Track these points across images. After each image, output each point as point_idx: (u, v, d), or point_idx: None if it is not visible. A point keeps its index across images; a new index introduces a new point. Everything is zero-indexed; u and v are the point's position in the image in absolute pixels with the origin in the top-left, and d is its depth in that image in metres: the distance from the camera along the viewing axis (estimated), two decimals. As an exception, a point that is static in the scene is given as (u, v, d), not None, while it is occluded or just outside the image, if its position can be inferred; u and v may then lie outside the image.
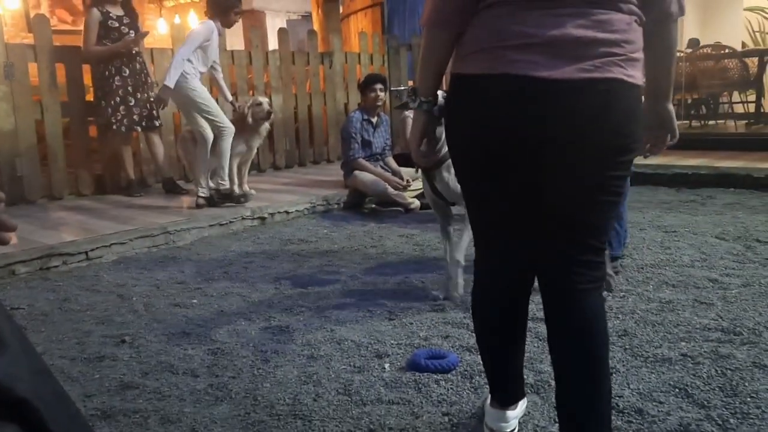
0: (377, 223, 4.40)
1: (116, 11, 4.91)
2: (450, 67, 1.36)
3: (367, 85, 4.90)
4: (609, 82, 1.19)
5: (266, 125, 4.82)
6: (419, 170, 2.62)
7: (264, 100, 4.74)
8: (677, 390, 1.79)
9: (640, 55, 1.24)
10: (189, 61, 4.27)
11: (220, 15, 4.39)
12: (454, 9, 1.28)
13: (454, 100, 1.34)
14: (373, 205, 4.90)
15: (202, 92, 4.33)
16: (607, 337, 1.34)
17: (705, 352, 2.02)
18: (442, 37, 1.33)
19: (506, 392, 1.54)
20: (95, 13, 4.81)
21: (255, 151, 4.99)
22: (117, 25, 4.88)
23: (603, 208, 1.29)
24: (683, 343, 2.10)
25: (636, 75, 1.23)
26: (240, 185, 4.76)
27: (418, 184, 4.96)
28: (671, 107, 1.40)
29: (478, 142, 1.29)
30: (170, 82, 4.18)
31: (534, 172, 1.27)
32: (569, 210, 1.28)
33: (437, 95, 1.43)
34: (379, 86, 4.86)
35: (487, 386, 1.86)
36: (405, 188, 4.82)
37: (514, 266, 1.40)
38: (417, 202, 4.79)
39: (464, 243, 2.61)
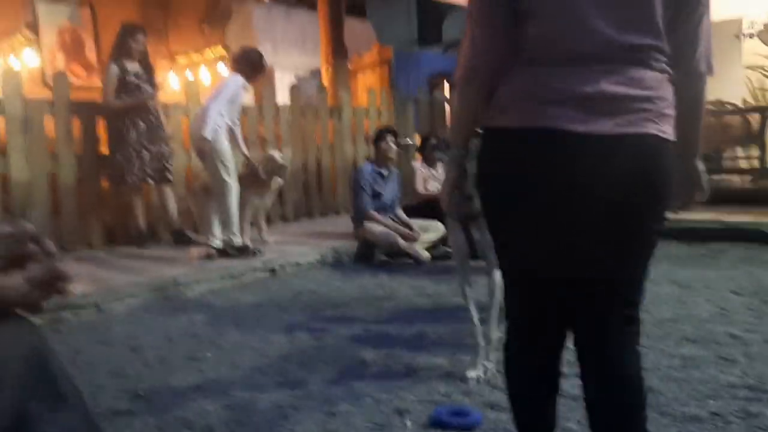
0: (388, 274, 4.38)
1: (134, 67, 5.03)
2: (484, 120, 1.36)
3: (379, 136, 4.98)
4: (642, 137, 1.20)
5: (278, 180, 4.93)
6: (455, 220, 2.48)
7: (277, 154, 4.85)
8: (710, 450, 1.74)
9: (671, 111, 1.26)
10: (220, 114, 4.38)
11: (250, 73, 4.55)
12: (487, 66, 1.31)
13: (487, 153, 1.34)
14: (384, 257, 4.89)
15: (226, 147, 4.44)
16: (644, 396, 1.31)
17: (734, 410, 1.97)
18: (473, 93, 1.35)
19: None
20: (113, 68, 4.94)
21: (269, 203, 5.08)
22: (134, 80, 4.99)
23: (637, 262, 1.30)
24: (711, 401, 2.06)
25: (668, 130, 1.25)
26: (259, 233, 4.96)
27: (428, 236, 4.97)
28: (700, 164, 1.42)
29: (512, 195, 1.29)
30: (209, 134, 4.29)
31: (568, 226, 1.27)
32: (603, 264, 1.28)
33: (469, 147, 1.44)
34: (390, 138, 4.94)
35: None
36: (415, 240, 4.82)
37: (549, 321, 1.38)
38: (428, 254, 4.79)
39: (495, 312, 2.44)
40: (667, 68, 1.26)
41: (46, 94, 5.66)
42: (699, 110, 1.35)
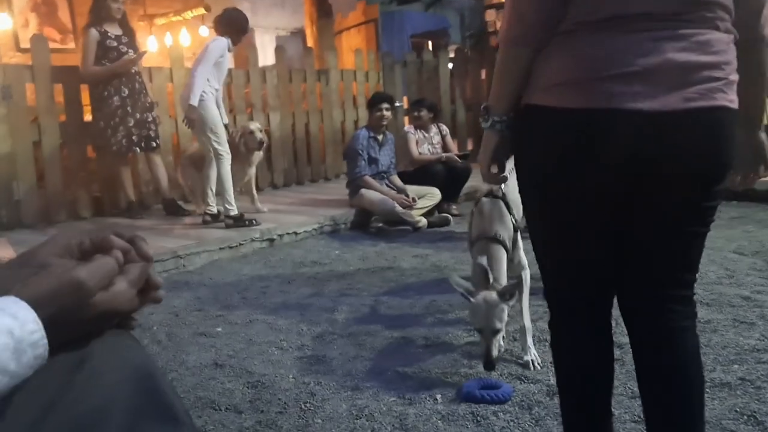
0: (387, 242, 4.34)
1: (114, 30, 4.81)
2: (529, 97, 1.26)
3: (373, 104, 4.89)
4: (715, 111, 1.13)
5: (258, 154, 4.84)
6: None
7: (256, 127, 4.74)
8: (746, 417, 1.76)
9: (736, 76, 1.18)
10: (206, 80, 4.25)
11: (233, 34, 4.42)
12: (533, 25, 1.20)
13: (542, 136, 1.24)
14: (380, 224, 4.84)
15: (214, 114, 4.33)
16: (703, 380, 1.29)
17: (762, 375, 1.99)
18: (520, 55, 1.23)
19: None
20: (93, 33, 4.71)
21: (251, 175, 4.97)
22: (115, 44, 4.78)
23: (698, 240, 1.26)
24: (736, 366, 2.07)
25: (735, 99, 1.17)
26: (252, 203, 4.95)
27: (424, 202, 4.92)
28: (764, 136, 1.34)
29: (570, 180, 1.21)
30: (195, 101, 4.19)
31: (632, 209, 1.22)
32: (666, 245, 1.24)
33: (511, 115, 1.31)
34: (384, 105, 4.84)
35: (549, 418, 1.82)
36: (411, 206, 4.77)
37: (601, 306, 1.34)
38: (424, 221, 4.75)
39: (526, 303, 2.33)
40: (732, 29, 1.17)
41: (20, 58, 5.43)
42: (763, 79, 1.27)
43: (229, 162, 4.37)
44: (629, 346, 2.13)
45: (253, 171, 4.98)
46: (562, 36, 1.19)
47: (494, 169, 1.39)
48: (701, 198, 1.21)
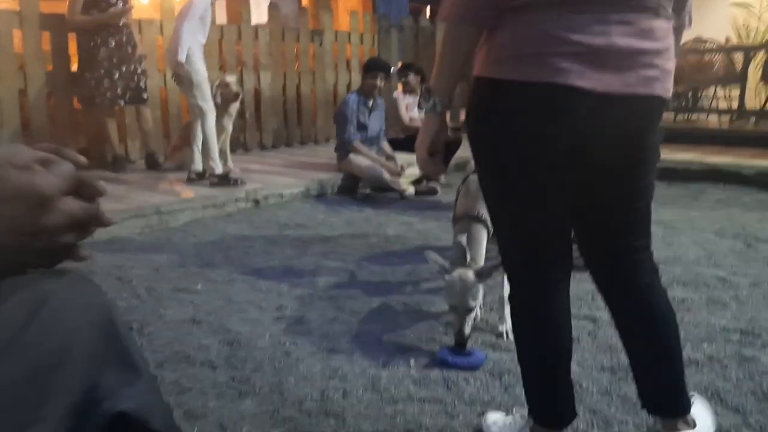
0: (374, 209, 4.34)
1: (104, -21, 4.70)
2: (477, 70, 1.27)
3: (368, 70, 4.82)
4: (650, 99, 1.21)
5: (235, 105, 4.74)
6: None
7: (232, 80, 4.65)
8: (709, 394, 1.79)
9: (673, 63, 1.25)
10: (192, 34, 4.19)
11: None
12: (484, 4, 1.19)
13: (490, 107, 1.26)
14: (368, 190, 4.83)
15: (199, 70, 4.27)
16: (674, 316, 1.43)
17: (729, 354, 2.03)
18: (467, 34, 1.23)
19: (563, 412, 1.44)
20: (82, -20, 4.61)
21: (229, 130, 4.86)
22: (104, -7, 4.68)
23: (642, 212, 1.36)
24: (705, 345, 2.11)
25: (669, 87, 1.25)
26: (224, 164, 4.72)
27: (412, 170, 4.91)
28: None
29: (517, 151, 1.24)
30: (182, 57, 4.15)
31: (574, 182, 1.29)
32: (611, 216, 1.35)
33: (453, 97, 1.34)
34: (381, 74, 4.77)
35: (518, 386, 1.85)
36: (400, 174, 4.76)
37: (562, 277, 1.38)
38: (412, 189, 4.75)
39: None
40: (671, 15, 1.23)
41: (8, 3, 5.30)
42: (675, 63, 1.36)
43: (214, 119, 4.34)
44: (600, 321, 2.21)
45: (229, 127, 4.87)
46: (515, 11, 1.19)
47: (433, 156, 1.38)
48: (637, 176, 1.31)
